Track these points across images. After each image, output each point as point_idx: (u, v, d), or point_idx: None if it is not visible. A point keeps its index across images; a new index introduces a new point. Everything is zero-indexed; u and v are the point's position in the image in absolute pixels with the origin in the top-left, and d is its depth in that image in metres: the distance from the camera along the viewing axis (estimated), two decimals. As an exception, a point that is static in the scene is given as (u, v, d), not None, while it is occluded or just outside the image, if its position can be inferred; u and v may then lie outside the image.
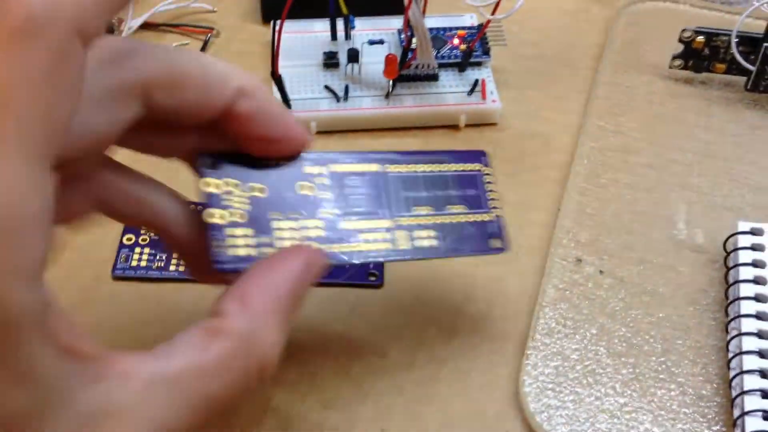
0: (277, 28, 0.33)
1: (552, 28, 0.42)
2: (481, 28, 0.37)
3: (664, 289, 0.30)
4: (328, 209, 0.24)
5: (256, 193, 0.23)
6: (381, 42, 0.38)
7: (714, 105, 0.37)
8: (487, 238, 0.26)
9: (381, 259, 0.25)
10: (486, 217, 0.27)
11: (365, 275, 0.30)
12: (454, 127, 0.37)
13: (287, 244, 0.23)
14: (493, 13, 0.34)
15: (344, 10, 0.37)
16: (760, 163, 0.35)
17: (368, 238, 0.25)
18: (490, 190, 0.27)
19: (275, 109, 0.23)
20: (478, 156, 0.28)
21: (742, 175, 0.34)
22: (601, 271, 0.31)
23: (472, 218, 0.26)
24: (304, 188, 0.24)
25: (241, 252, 0.22)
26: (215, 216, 0.22)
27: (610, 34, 0.41)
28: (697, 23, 0.39)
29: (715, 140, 0.36)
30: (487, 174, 0.27)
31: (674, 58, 0.38)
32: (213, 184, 0.23)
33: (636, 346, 0.28)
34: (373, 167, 0.26)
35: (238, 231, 0.22)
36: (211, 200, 0.22)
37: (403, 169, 0.26)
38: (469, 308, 0.30)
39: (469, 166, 0.27)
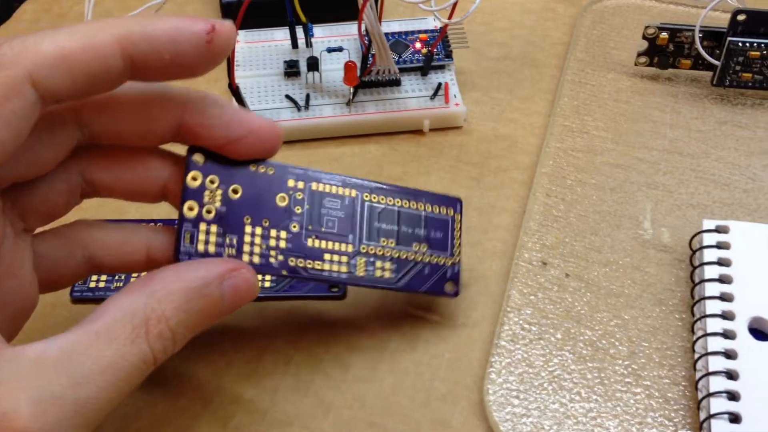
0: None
1: (517, 28, 0.41)
2: (443, 31, 0.36)
3: (630, 291, 0.30)
4: (297, 223, 0.25)
5: (231, 194, 0.25)
6: (340, 49, 0.37)
7: (680, 101, 0.37)
8: (443, 281, 0.28)
9: (334, 281, 0.26)
10: (447, 261, 0.28)
11: (327, 287, 0.30)
12: (419, 132, 0.36)
13: (256, 249, 0.25)
14: (449, 17, 0.34)
15: (303, 18, 0.37)
16: (727, 158, 0.34)
17: (330, 258, 0.26)
18: (457, 236, 0.28)
19: (229, 112, 0.24)
20: (454, 202, 0.29)
21: (708, 171, 0.34)
22: (566, 274, 0.30)
23: (434, 260, 0.28)
24: (282, 200, 0.25)
25: (200, 247, 0.24)
26: (185, 208, 0.24)
27: (575, 32, 0.40)
28: (663, 19, 0.39)
29: (682, 137, 0.35)
30: (458, 221, 0.28)
31: (639, 55, 0.37)
32: (198, 179, 0.24)
33: (602, 349, 0.28)
34: (353, 193, 0.27)
35: (203, 226, 0.24)
36: (187, 193, 0.24)
37: (381, 200, 0.27)
38: (432, 316, 0.29)
39: (443, 209, 0.28)
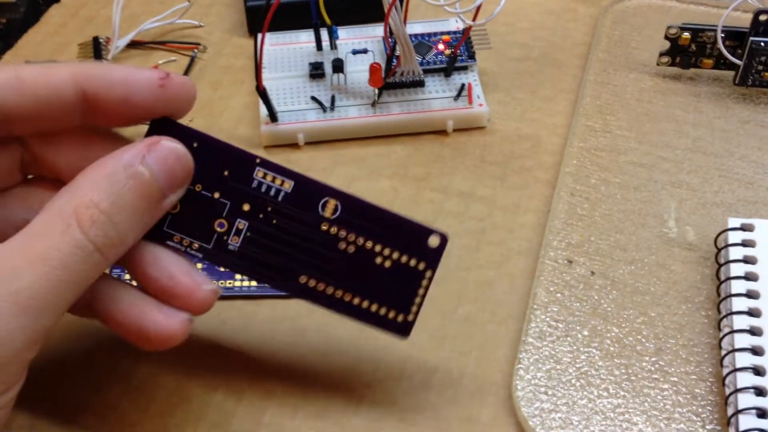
0: (259, 41, 0.33)
1: (538, 29, 0.42)
2: (466, 33, 0.37)
3: (656, 288, 0.30)
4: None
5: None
6: (365, 51, 0.38)
7: (703, 101, 0.37)
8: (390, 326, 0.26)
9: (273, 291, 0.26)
10: (399, 317, 0.26)
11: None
12: (443, 133, 0.37)
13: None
14: (473, 19, 0.34)
15: (327, 20, 0.37)
16: (750, 157, 0.34)
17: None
18: (420, 294, 0.26)
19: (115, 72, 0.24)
20: (428, 233, 0.25)
21: (732, 170, 0.34)
22: (592, 272, 0.31)
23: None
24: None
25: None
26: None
27: (596, 32, 0.41)
28: (683, 19, 0.39)
29: (705, 136, 0.35)
30: (428, 278, 0.26)
31: (661, 55, 0.38)
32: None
33: (629, 346, 0.28)
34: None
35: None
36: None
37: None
38: (459, 314, 0.30)
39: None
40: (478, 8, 0.34)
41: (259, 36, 0.33)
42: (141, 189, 0.23)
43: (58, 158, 0.25)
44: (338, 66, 0.37)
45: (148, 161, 0.23)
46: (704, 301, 0.29)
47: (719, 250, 0.30)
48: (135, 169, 0.22)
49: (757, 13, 0.35)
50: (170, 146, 0.23)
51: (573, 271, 0.31)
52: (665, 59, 0.38)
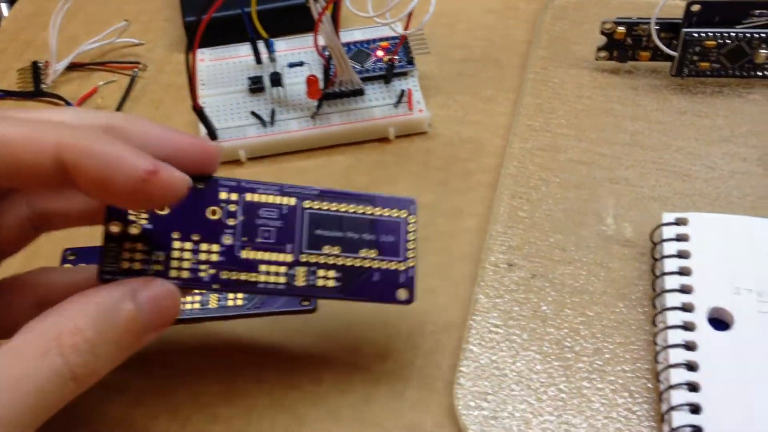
0: (195, 59, 0.33)
1: (479, 29, 0.42)
2: (401, 40, 0.37)
3: (594, 287, 0.30)
4: (230, 236, 0.25)
5: (158, 211, 0.25)
6: (301, 64, 0.38)
7: (641, 93, 0.37)
8: (394, 288, 0.26)
9: (270, 293, 0.25)
10: (399, 266, 0.27)
11: (297, 302, 0.30)
12: (385, 140, 0.37)
13: (185, 264, 0.25)
14: (406, 27, 0.34)
15: (263, 33, 0.37)
16: (687, 149, 0.35)
17: (267, 270, 0.25)
18: (411, 239, 0.27)
19: (150, 130, 0.23)
20: (407, 203, 0.27)
21: (669, 163, 0.34)
22: (533, 275, 0.31)
23: (384, 265, 0.26)
24: (213, 213, 0.25)
25: (125, 265, 0.24)
26: (111, 227, 0.24)
27: (536, 29, 0.41)
28: (624, 11, 0.39)
29: (643, 129, 0.36)
30: (412, 223, 0.27)
31: (599, 49, 0.38)
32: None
33: (568, 347, 0.29)
34: (291, 201, 0.26)
35: (128, 244, 0.24)
36: (110, 212, 0.24)
37: (323, 206, 0.26)
38: (402, 324, 0.30)
39: (394, 212, 0.27)
40: (410, 16, 0.34)
41: (198, 54, 0.33)
42: (128, 325, 0.22)
43: (66, 208, 0.25)
44: (276, 79, 0.37)
45: (140, 299, 0.23)
46: (642, 297, 0.30)
47: (654, 245, 0.30)
48: (126, 305, 0.22)
49: (689, 3, 0.35)
50: (164, 288, 0.23)
51: (513, 275, 0.31)
52: (603, 54, 0.38)
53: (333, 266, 0.26)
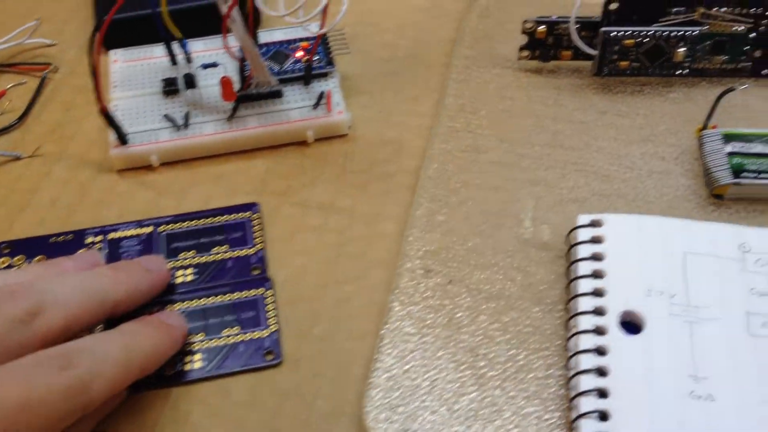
0: (98, 59, 0.32)
1: (405, 27, 0.41)
2: (317, 40, 0.36)
3: (511, 292, 0.30)
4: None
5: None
6: (215, 65, 0.36)
7: (563, 93, 0.37)
8: (261, 354, 0.28)
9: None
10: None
11: (262, 356, 0.29)
12: (303, 143, 0.36)
13: None
14: (322, 26, 0.33)
15: (177, 33, 0.36)
16: (606, 149, 0.34)
17: None
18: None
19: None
20: (249, 207, 0.33)
21: (589, 163, 0.34)
22: (449, 281, 0.30)
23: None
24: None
25: None
26: None
27: (462, 28, 0.40)
28: (549, 9, 0.39)
29: (564, 129, 0.35)
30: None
31: (521, 49, 0.38)
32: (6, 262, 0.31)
33: (482, 355, 0.28)
34: (148, 230, 0.31)
35: None
36: None
37: (175, 227, 0.32)
38: (315, 333, 0.29)
39: (239, 215, 0.32)
40: (324, 14, 0.33)
41: (111, 55, 0.32)
42: None
43: None
44: (190, 81, 0.36)
45: None
46: (557, 302, 0.29)
47: (570, 248, 0.30)
48: None
49: (607, 2, 0.35)
50: None
51: (430, 281, 0.30)
52: (525, 53, 0.38)
53: (192, 266, 0.30)
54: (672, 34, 0.35)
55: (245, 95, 0.35)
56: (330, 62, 0.37)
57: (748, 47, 0.36)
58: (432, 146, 0.35)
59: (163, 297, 0.29)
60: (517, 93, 0.37)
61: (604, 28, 0.35)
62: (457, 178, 0.34)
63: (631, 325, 0.27)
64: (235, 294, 0.30)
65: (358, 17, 0.41)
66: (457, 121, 0.36)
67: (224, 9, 0.31)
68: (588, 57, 0.37)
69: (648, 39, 0.35)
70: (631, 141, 0.35)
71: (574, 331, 0.27)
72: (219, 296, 0.29)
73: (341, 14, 0.32)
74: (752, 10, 0.35)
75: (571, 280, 0.29)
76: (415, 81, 0.38)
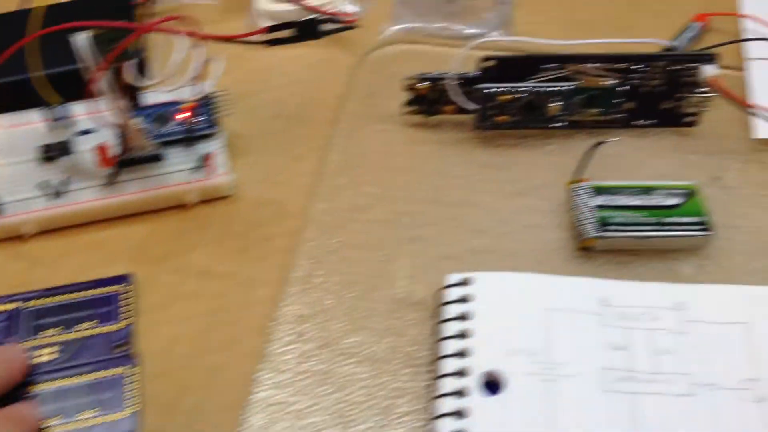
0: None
1: (294, 84, 0.41)
2: (203, 101, 0.36)
3: (382, 355, 0.30)
4: None
5: None
6: (88, 132, 0.36)
7: (446, 147, 0.38)
8: (112, 346, 0.30)
9: None
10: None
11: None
12: (185, 207, 0.35)
13: None
14: (198, 92, 0.33)
15: (54, 98, 0.35)
16: (483, 203, 0.35)
17: None
18: (125, 305, 0.31)
19: None
20: (121, 279, 0.32)
21: (465, 219, 0.34)
22: (321, 345, 0.30)
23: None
24: None
25: None
26: None
27: (351, 83, 0.41)
28: (439, 63, 0.39)
29: (444, 185, 0.36)
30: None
31: (405, 104, 0.38)
32: None
33: (350, 422, 0.28)
34: (11, 306, 0.31)
35: None
36: None
37: (40, 302, 0.31)
38: (184, 405, 0.29)
39: (110, 289, 0.32)
40: (202, 78, 0.33)
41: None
42: None
43: None
44: (66, 148, 0.35)
45: None
46: (426, 363, 0.29)
47: (438, 307, 0.30)
48: None
49: (483, 59, 0.36)
50: None
51: (303, 347, 0.30)
52: (409, 109, 0.38)
53: (54, 344, 0.29)
54: (547, 89, 0.36)
55: (125, 160, 0.35)
56: (214, 123, 0.37)
57: (619, 99, 0.37)
58: (313, 206, 0.35)
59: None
60: (402, 148, 0.38)
61: (478, 85, 0.36)
62: (337, 239, 0.34)
63: (495, 384, 0.28)
64: (95, 374, 0.29)
65: (248, 75, 0.41)
66: (340, 178, 0.36)
67: (87, 77, 0.31)
68: (470, 111, 0.38)
69: (523, 95, 0.36)
70: (507, 195, 0.35)
71: (436, 393, 0.27)
72: (79, 376, 0.29)
73: (213, 80, 0.32)
74: (619, 65, 0.36)
75: (438, 340, 0.29)
76: (301, 139, 0.39)
